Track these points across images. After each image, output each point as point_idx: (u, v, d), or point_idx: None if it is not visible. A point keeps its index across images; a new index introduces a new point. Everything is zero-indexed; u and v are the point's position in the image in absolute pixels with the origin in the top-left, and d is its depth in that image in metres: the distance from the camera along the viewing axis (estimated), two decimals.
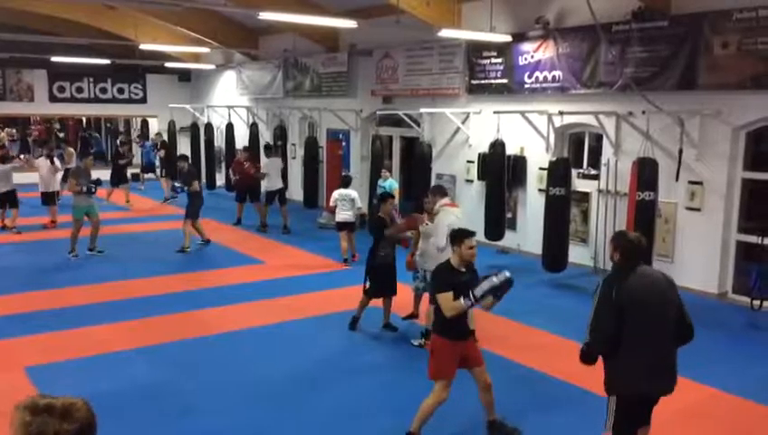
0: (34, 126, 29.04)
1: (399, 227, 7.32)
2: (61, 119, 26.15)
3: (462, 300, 4.59)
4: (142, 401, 5.43)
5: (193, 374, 6.13)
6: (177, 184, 13.33)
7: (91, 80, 20.51)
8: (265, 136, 17.23)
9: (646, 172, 8.54)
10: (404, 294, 7.77)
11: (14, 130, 26.62)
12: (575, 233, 10.14)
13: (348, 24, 10.55)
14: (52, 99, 20.13)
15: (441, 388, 4.74)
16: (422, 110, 12.07)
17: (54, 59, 17.29)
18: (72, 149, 17.21)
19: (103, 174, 14.20)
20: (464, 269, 4.84)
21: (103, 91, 20.79)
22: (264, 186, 13.17)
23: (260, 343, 7.00)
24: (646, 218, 8.51)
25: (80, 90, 20.43)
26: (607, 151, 9.85)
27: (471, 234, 4.87)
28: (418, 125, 12.65)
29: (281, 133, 16.40)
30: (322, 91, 15.32)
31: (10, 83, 19.46)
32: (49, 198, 13.14)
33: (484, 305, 4.78)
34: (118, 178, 16.08)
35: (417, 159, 12.21)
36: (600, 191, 9.96)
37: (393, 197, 7.82)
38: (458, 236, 4.84)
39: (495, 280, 4.56)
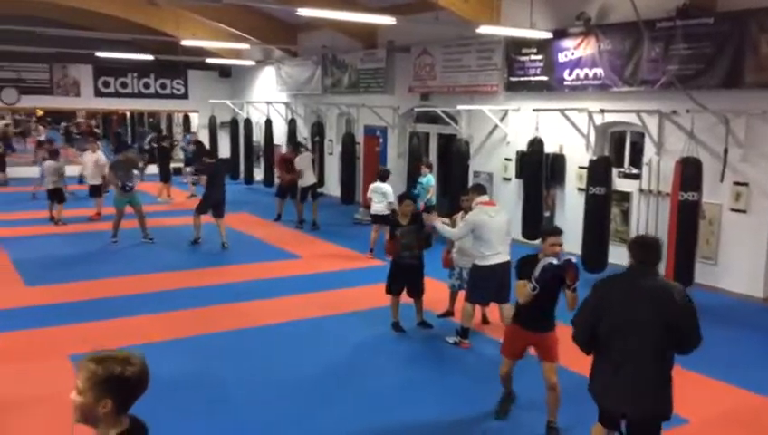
0: (79, 120, 29.84)
1: (389, 249, 7.29)
2: (105, 114, 26.78)
3: (528, 285, 4.68)
4: (179, 391, 5.53)
5: (229, 366, 6.23)
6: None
7: (135, 75, 20.90)
8: (303, 132, 17.37)
9: (689, 172, 8.35)
10: (440, 291, 7.77)
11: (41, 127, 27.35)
12: (615, 233, 9.98)
13: (386, 20, 10.55)
14: (98, 93, 20.58)
15: (503, 363, 5.17)
16: (459, 107, 12.01)
17: (99, 54, 17.67)
18: (98, 143, 17.68)
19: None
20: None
21: (146, 86, 21.17)
22: (299, 182, 13.24)
23: (295, 336, 7.06)
24: (689, 220, 8.33)
25: (124, 85, 20.85)
26: (649, 150, 9.67)
27: (555, 232, 4.86)
28: (456, 122, 12.60)
29: (318, 129, 16.51)
30: (360, 87, 15.36)
31: (57, 78, 19.96)
32: (95, 191, 13.50)
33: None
34: (165, 173, 16.38)
35: (453, 156, 12.16)
36: (641, 191, 9.79)
37: (413, 199, 7.73)
38: (543, 233, 4.91)
39: (555, 261, 4.63)
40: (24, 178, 18.11)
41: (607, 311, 3.71)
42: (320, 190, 16.47)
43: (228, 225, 11.50)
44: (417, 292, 7.26)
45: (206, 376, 5.97)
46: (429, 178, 11.51)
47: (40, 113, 30.86)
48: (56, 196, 12.70)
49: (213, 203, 11.16)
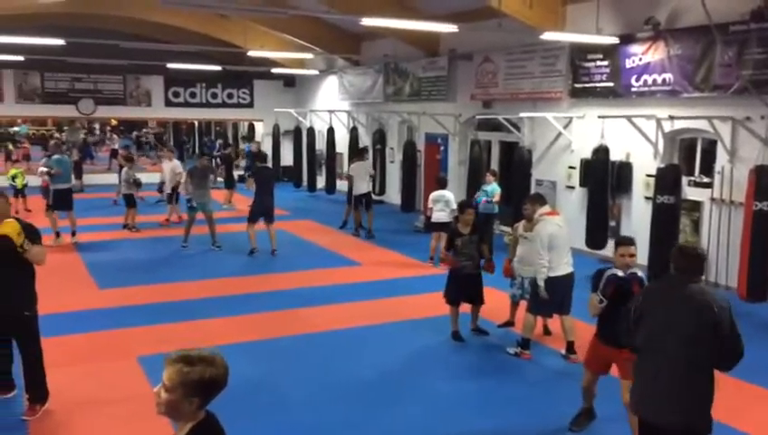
0: (149, 129, 31.00)
1: (449, 261, 7.23)
2: (174, 123, 27.73)
3: (596, 297, 4.68)
4: (241, 394, 5.63)
5: (289, 370, 6.32)
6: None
7: (203, 85, 21.56)
8: (365, 140, 17.51)
9: (764, 181, 8.00)
10: (500, 300, 7.68)
11: (114, 135, 28.47)
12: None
13: (448, 28, 10.54)
14: (168, 103, 21.31)
15: (585, 374, 5.09)
16: (522, 114, 11.87)
17: (170, 65, 18.33)
18: (169, 151, 18.33)
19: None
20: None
21: (214, 96, 21.80)
22: (352, 190, 13.32)
23: (355, 343, 7.11)
24: (763, 230, 7.97)
25: (193, 95, 21.53)
26: (721, 158, 9.30)
27: (626, 241, 4.80)
28: (518, 130, 12.45)
29: (380, 137, 16.61)
30: (422, 95, 15.38)
31: (130, 89, 20.79)
32: (169, 197, 14.00)
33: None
34: (231, 180, 16.82)
35: (516, 164, 12.02)
36: (713, 200, 9.42)
37: (474, 207, 7.70)
38: (615, 243, 4.87)
39: (620, 273, 4.61)
40: (99, 186, 18.94)
41: (645, 318, 3.67)
42: (380, 198, 16.62)
43: (292, 232, 11.67)
44: (477, 301, 7.21)
45: (267, 379, 6.07)
46: (494, 187, 11.42)
47: (114, 123, 32.24)
48: (129, 202, 13.18)
49: (263, 210, 11.27)
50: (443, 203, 10.58)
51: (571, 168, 11.57)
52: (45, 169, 11.91)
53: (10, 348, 5.37)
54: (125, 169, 13.51)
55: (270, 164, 19.34)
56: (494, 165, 13.69)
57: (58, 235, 11.55)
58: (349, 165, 14.07)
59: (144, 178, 14.82)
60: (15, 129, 31.87)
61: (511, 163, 12.65)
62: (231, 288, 9.14)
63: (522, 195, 10.63)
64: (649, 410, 3.65)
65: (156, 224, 13.78)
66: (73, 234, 11.76)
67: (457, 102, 14.42)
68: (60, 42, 13.20)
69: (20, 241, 4.90)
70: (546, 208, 6.78)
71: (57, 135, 25.75)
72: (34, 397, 5.28)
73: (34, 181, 15.02)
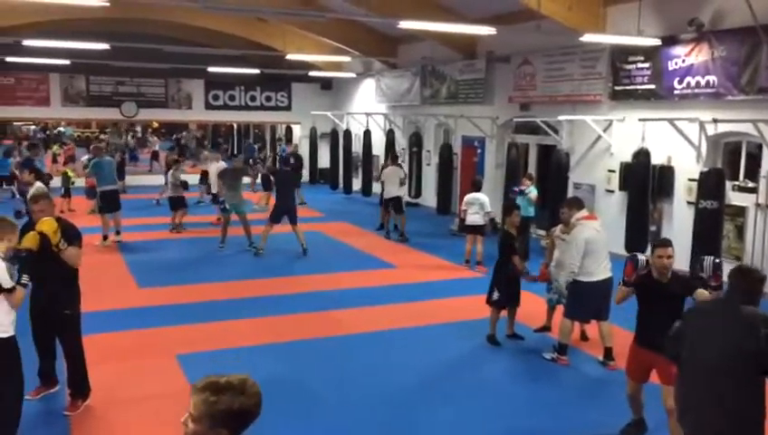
0: (194, 131, 31.56)
1: (518, 266, 7.13)
2: (214, 125, 28.18)
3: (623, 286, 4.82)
4: (275, 394, 5.63)
5: (325, 372, 6.35)
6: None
7: (242, 88, 21.83)
8: (401, 143, 17.53)
9: None
10: (537, 304, 7.60)
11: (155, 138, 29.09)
12: (728, 250, 9.39)
13: (486, 30, 10.48)
14: (208, 106, 21.65)
15: (627, 383, 4.97)
16: (561, 117, 11.73)
17: (210, 69, 18.63)
18: (207, 153, 18.64)
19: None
20: (664, 281, 4.64)
21: (252, 99, 22.06)
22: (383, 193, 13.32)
23: (389, 345, 7.11)
24: None
25: (232, 98, 21.82)
26: (767, 162, 9.05)
27: (663, 243, 4.73)
28: (556, 133, 12.31)
29: (416, 140, 16.60)
30: (459, 98, 15.32)
31: (171, 92, 21.19)
32: (214, 198, 14.24)
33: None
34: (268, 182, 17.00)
35: (553, 167, 11.88)
36: (758, 205, 9.16)
37: (518, 208, 7.65)
38: (652, 245, 4.82)
39: (640, 256, 4.74)
40: (141, 187, 19.33)
41: (690, 332, 3.62)
42: (416, 201, 16.61)
43: (327, 233, 11.74)
44: (518, 302, 7.15)
45: (302, 381, 6.11)
46: (532, 189, 11.33)
47: (155, 125, 32.89)
48: (175, 203, 13.39)
49: (284, 211, 11.35)
50: (477, 206, 10.53)
51: (610, 171, 11.39)
52: (84, 161, 12.05)
53: (53, 345, 5.52)
54: (171, 172, 13.76)
55: (307, 166, 19.55)
56: (532, 168, 13.56)
57: (105, 238, 11.80)
58: (381, 169, 14.09)
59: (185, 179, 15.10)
60: (60, 129, 32.75)
61: (548, 166, 12.52)
62: (266, 289, 9.23)
63: (559, 199, 10.50)
64: (692, 427, 3.58)
65: (204, 224, 13.93)
66: (117, 233, 12.00)
67: (495, 105, 14.33)
68: (104, 46, 13.54)
69: (56, 240, 4.98)
70: (584, 213, 6.69)
71: (102, 137, 26.39)
72: (76, 393, 5.42)
73: (79, 182, 15.45)
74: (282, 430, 4.88)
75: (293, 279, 9.86)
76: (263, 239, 11.34)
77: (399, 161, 13.70)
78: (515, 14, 11.83)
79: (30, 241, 4.91)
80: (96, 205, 12.84)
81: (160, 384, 5.90)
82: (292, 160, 17.44)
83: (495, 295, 7.07)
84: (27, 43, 13.00)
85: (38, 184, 9.81)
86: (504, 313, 7.20)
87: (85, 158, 14.62)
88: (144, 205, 16.62)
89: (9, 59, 16.61)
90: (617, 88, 11.14)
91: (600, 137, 11.53)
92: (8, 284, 4.46)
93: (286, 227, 11.33)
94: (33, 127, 31.92)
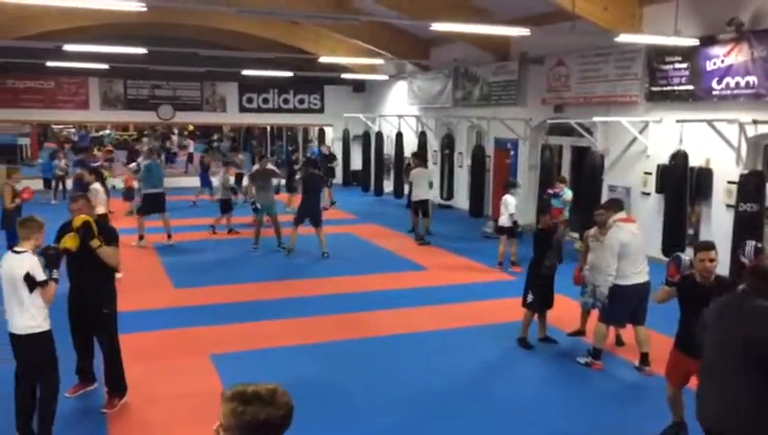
0: (233, 133, 31.96)
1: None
2: (247, 128, 28.50)
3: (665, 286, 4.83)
4: (308, 396, 5.70)
5: (357, 373, 6.36)
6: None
7: (276, 91, 22.03)
8: (433, 145, 17.50)
9: None
10: (570, 308, 7.52)
11: (190, 140, 29.50)
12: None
13: (520, 31, 10.41)
14: (242, 109, 21.89)
15: (667, 386, 4.94)
16: (596, 118, 11.57)
17: (245, 72, 18.84)
18: (242, 156, 18.92)
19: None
20: (707, 284, 4.57)
21: (285, 101, 22.24)
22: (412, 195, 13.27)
23: (420, 347, 7.09)
24: None
25: (265, 100, 22.04)
26: None
27: (705, 246, 4.66)
28: (591, 134, 12.15)
29: (448, 142, 16.54)
30: (491, 100, 15.23)
31: (206, 95, 21.49)
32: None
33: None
34: (292, 184, 17.13)
35: (587, 169, 11.73)
36: None
37: (548, 209, 7.58)
38: (695, 248, 4.81)
39: (684, 256, 4.73)
40: (177, 188, 19.56)
41: (709, 327, 3.69)
42: (448, 203, 16.57)
43: (358, 235, 11.76)
44: (548, 305, 7.08)
45: (333, 382, 6.13)
46: (567, 191, 11.19)
47: (191, 128, 33.35)
48: (225, 206, 13.50)
49: (308, 213, 11.43)
50: (504, 207, 10.54)
51: (646, 173, 11.21)
52: (134, 167, 12.34)
53: (91, 343, 5.64)
54: (220, 174, 13.93)
55: (339, 168, 19.62)
56: (565, 170, 13.42)
57: (141, 238, 11.99)
58: (406, 168, 14.08)
59: (216, 181, 15.28)
60: (105, 132, 33.41)
61: (582, 168, 12.37)
62: (298, 290, 9.29)
63: (593, 201, 10.38)
64: (700, 413, 3.69)
65: (239, 226, 14.09)
66: (169, 236, 12.18)
67: (528, 107, 14.21)
68: (142, 50, 13.79)
69: (96, 233, 5.16)
70: (622, 215, 6.58)
71: (145, 140, 26.83)
72: (113, 390, 5.52)
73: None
74: (310, 430, 4.90)
75: (325, 281, 9.90)
76: (291, 241, 11.43)
77: (427, 163, 13.66)
78: (549, 14, 11.71)
79: (70, 242, 5.05)
80: (134, 206, 13.06)
81: (195, 384, 5.98)
82: (320, 161, 17.54)
83: (530, 298, 7.01)
84: (68, 47, 13.30)
85: (96, 185, 10.10)
86: (518, 315, 7.13)
87: (134, 164, 14.89)
88: (180, 206, 16.82)
89: (50, 63, 17.01)
90: (653, 89, 10.95)
91: (635, 138, 11.35)
92: (42, 277, 4.65)
93: (311, 229, 11.40)
94: (72, 130, 32.63)
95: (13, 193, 9.50)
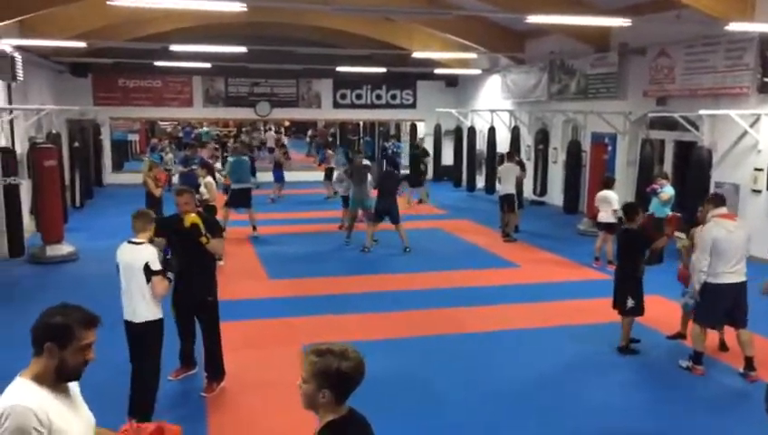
0: (316, 130, 32.59)
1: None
2: (340, 123, 28.97)
3: None
4: (391, 389, 5.74)
5: (443, 369, 6.36)
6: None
7: (369, 87, 22.30)
8: (527, 140, 17.17)
9: None
10: (671, 310, 7.20)
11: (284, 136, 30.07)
12: None
13: (621, 22, 10.03)
14: (336, 105, 22.31)
15: None
16: (702, 112, 10.97)
17: (339, 69, 19.17)
18: (331, 152, 19.18)
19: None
20: None
21: (378, 97, 22.48)
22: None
23: (510, 345, 7.00)
24: None
25: (359, 96, 22.36)
26: None
27: None
28: (697, 128, 11.54)
29: (542, 137, 16.18)
30: (589, 93, 14.76)
31: (302, 91, 22.04)
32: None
33: None
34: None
35: (692, 165, 11.15)
36: None
37: (639, 207, 7.23)
38: None
39: None
40: (270, 183, 20.18)
41: None
42: (541, 199, 16.22)
43: (449, 231, 11.72)
44: (643, 311, 6.79)
45: (419, 377, 6.16)
46: (666, 188, 10.72)
47: (286, 124, 34.23)
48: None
49: (385, 210, 11.48)
50: (606, 203, 10.26)
51: (757, 169, 10.53)
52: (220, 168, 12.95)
53: (194, 329, 5.93)
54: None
55: (431, 163, 19.61)
56: (668, 166, 12.81)
57: (223, 229, 12.47)
58: (498, 165, 13.88)
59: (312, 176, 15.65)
60: (203, 129, 34.88)
61: (687, 164, 11.76)
62: (388, 284, 9.38)
63: (699, 199, 9.85)
64: None
65: (332, 220, 14.36)
66: (254, 228, 12.64)
67: (628, 100, 13.67)
68: (242, 49, 14.30)
69: (204, 230, 5.46)
70: (722, 210, 6.22)
71: (244, 138, 27.79)
72: (212, 375, 5.79)
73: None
74: (397, 426, 4.95)
75: (415, 275, 9.94)
76: (369, 238, 11.53)
77: (517, 158, 13.43)
78: (653, 3, 11.22)
79: (192, 219, 5.37)
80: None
81: (288, 372, 6.10)
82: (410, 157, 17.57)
83: (630, 302, 6.68)
84: (174, 48, 13.99)
85: (209, 179, 10.70)
86: (612, 315, 6.84)
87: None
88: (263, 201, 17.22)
89: (157, 63, 17.95)
90: (766, 80, 10.26)
91: (745, 132, 10.68)
92: (158, 267, 4.95)
93: (412, 224, 11.44)
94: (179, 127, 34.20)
95: (155, 182, 10.43)
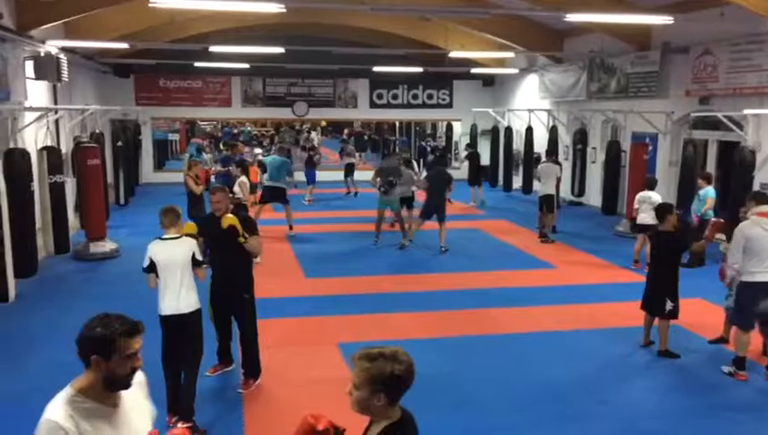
0: (352, 129, 32.71)
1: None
2: (377, 123, 29.02)
3: None
4: (429, 389, 5.71)
5: (479, 369, 6.34)
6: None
7: (405, 87, 22.31)
8: (564, 139, 16.97)
9: None
10: (714, 314, 7.05)
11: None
12: None
13: (663, 20, 9.84)
14: (372, 105, 22.37)
15: None
16: (747, 111, 10.70)
17: (375, 69, 19.21)
18: (351, 147, 19.56)
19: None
20: None
21: (415, 97, 22.47)
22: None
23: (546, 348, 6.94)
24: None
25: (395, 96, 22.37)
26: None
27: None
28: (741, 128, 11.26)
29: (581, 137, 15.97)
30: (629, 92, 14.51)
31: (339, 92, 22.16)
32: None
33: None
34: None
35: (736, 166, 10.88)
36: None
37: (671, 208, 7.07)
38: None
39: None
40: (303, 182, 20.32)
41: None
42: (579, 200, 16.02)
43: (485, 231, 11.66)
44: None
45: (455, 376, 6.15)
46: (708, 190, 10.50)
47: (323, 124, 34.46)
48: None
49: (433, 208, 11.49)
50: (648, 204, 10.05)
51: None
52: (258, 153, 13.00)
53: (231, 326, 6.02)
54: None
55: (465, 162, 19.49)
56: (711, 166, 12.53)
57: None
58: (536, 162, 13.77)
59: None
60: (247, 128, 35.29)
61: (730, 165, 11.48)
62: (424, 284, 9.38)
63: (741, 200, 9.61)
64: None
65: (363, 219, 14.42)
66: (290, 227, 12.77)
67: (670, 99, 13.40)
68: (280, 50, 14.44)
69: (242, 230, 5.54)
70: (763, 208, 6.07)
71: (286, 138, 28.07)
72: (249, 372, 5.88)
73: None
74: (433, 425, 4.94)
75: (451, 276, 9.92)
76: (410, 233, 11.53)
77: (555, 157, 13.29)
78: (695, 1, 10.97)
79: (229, 221, 5.48)
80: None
81: (324, 370, 6.21)
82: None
83: (669, 305, 6.56)
84: (213, 49, 14.20)
85: (243, 178, 10.87)
86: (655, 321, 6.72)
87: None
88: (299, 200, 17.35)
89: (197, 64, 18.24)
90: None
91: None
92: (201, 257, 5.16)
93: (449, 224, 11.41)
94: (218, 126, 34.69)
95: (195, 180, 10.64)
